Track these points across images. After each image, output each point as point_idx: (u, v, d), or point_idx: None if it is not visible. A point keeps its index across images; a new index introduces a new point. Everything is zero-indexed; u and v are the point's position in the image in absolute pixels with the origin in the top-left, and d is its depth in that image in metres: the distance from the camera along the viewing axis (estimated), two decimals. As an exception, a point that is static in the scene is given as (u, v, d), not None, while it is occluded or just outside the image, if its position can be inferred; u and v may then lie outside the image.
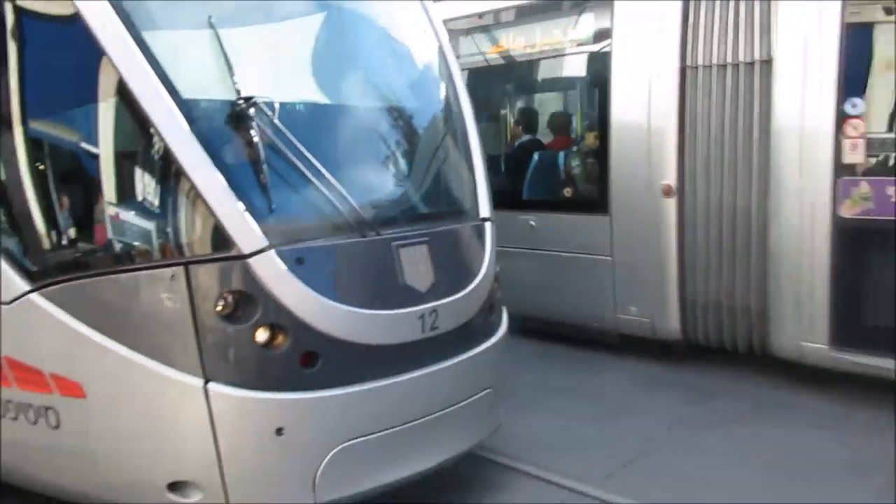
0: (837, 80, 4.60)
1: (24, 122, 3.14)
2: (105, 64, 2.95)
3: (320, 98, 3.60)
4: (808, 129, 4.72)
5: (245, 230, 2.89)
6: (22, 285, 3.06)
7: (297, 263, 2.97)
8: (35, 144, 3.18)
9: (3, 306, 3.08)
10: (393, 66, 4.05)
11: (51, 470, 3.22)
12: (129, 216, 3.02)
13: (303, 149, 3.11)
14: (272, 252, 2.91)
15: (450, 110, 4.12)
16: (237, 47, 3.18)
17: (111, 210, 3.03)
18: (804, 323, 4.85)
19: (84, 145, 3.11)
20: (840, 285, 4.69)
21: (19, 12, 3.15)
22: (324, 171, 3.13)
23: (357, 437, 3.04)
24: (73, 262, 3.06)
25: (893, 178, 4.51)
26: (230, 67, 3.08)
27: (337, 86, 3.67)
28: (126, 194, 3.05)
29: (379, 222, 3.28)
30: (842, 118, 4.59)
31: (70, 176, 3.20)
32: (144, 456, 2.97)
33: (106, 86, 3.00)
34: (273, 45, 3.54)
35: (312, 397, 2.97)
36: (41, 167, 3.18)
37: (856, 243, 4.68)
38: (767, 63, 4.97)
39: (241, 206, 2.90)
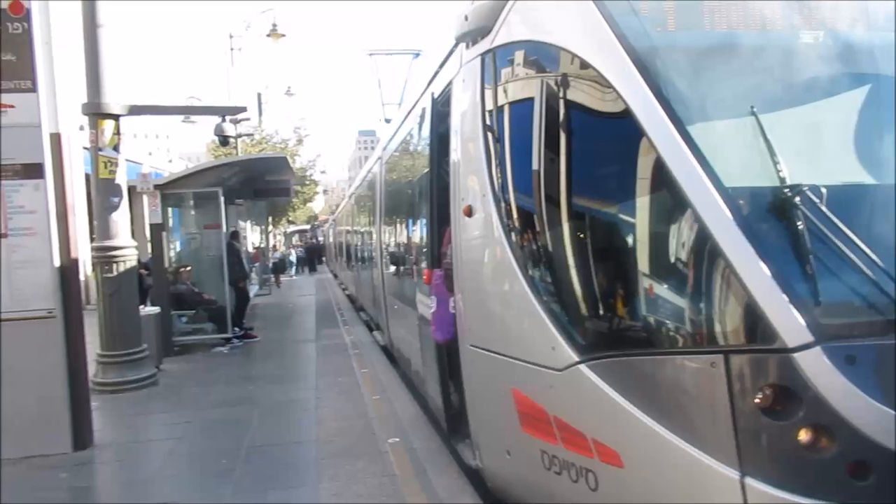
0: None
1: (570, 201, 3.54)
2: (647, 151, 3.18)
3: (866, 178, 3.30)
4: None
5: (790, 323, 2.79)
6: (572, 356, 3.42)
7: (848, 362, 2.74)
8: (580, 221, 3.53)
9: (557, 372, 3.51)
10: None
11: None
12: (669, 299, 3.16)
13: (853, 236, 2.89)
14: (819, 348, 2.74)
15: None
16: (777, 132, 3.14)
17: (652, 292, 3.21)
18: None
19: (626, 225, 3.34)
20: None
21: (570, 107, 3.60)
22: (878, 260, 2.85)
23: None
24: (615, 338, 3.32)
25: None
26: (772, 153, 3.06)
27: (886, 163, 3.33)
28: (666, 277, 3.20)
29: (945, 320, 2.83)
30: None
31: (611, 254, 3.45)
32: (675, 536, 3.03)
33: (647, 171, 3.24)
34: (813, 125, 3.39)
35: (865, 515, 2.67)
36: (584, 241, 3.51)
37: None
38: None
39: (785, 297, 2.81)
